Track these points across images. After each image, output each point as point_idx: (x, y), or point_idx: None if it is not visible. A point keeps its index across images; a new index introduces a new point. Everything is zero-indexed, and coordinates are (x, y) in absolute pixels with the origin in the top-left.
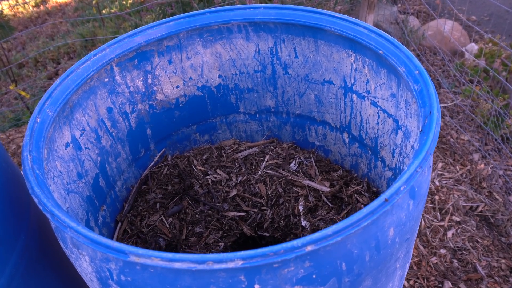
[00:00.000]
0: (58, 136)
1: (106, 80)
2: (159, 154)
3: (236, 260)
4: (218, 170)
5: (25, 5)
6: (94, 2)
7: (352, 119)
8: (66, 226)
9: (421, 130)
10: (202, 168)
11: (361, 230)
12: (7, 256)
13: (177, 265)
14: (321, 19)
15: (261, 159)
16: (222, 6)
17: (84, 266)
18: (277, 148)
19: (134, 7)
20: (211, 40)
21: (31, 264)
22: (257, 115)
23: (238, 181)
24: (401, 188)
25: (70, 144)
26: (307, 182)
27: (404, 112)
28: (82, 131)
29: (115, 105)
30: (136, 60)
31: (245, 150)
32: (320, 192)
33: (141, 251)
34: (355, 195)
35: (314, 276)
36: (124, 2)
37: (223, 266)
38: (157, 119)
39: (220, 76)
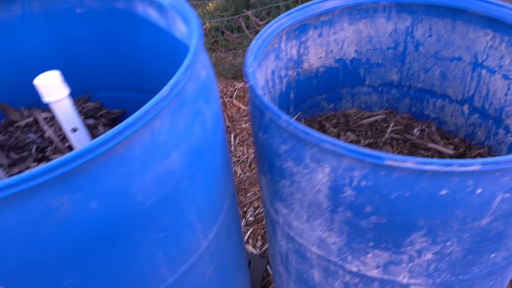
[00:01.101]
0: None
1: (276, 46)
2: (296, 116)
3: (475, 164)
4: (348, 133)
5: None
6: None
7: (476, 92)
8: (323, 140)
9: None
10: (334, 130)
11: None
12: (215, 219)
13: (427, 167)
14: (465, 1)
15: (385, 125)
16: None
17: (318, 178)
18: (397, 118)
19: None
20: (357, 18)
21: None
22: (380, 88)
23: (366, 143)
24: None
25: None
26: (432, 145)
27: None
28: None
29: (276, 69)
30: (297, 31)
31: (369, 118)
32: (445, 154)
33: (395, 156)
34: (479, 157)
35: None
36: None
37: (463, 169)
38: (299, 86)
39: (356, 51)
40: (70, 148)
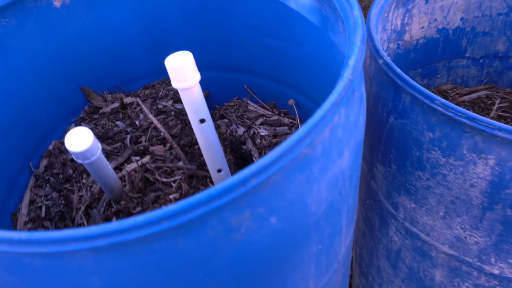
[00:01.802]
0: None
1: (385, 15)
2: None
3: None
4: None
5: None
6: None
7: None
8: (495, 126)
9: None
10: None
11: None
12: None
13: None
14: None
15: (490, 102)
16: None
17: (476, 171)
18: (500, 93)
19: None
20: None
21: None
22: (481, 60)
23: None
24: None
25: None
26: None
27: None
28: None
29: (380, 42)
30: None
31: (469, 94)
32: None
33: None
34: None
35: None
36: None
37: None
38: (397, 60)
39: (461, 18)
40: (164, 139)
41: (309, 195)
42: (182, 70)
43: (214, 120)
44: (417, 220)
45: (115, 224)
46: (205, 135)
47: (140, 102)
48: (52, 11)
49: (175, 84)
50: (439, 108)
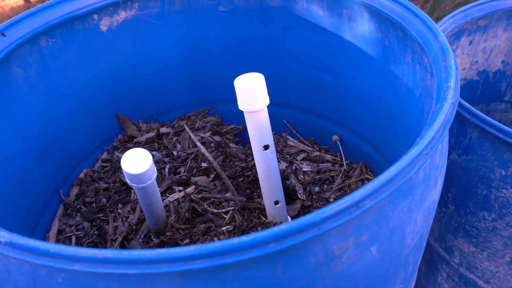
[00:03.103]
0: None
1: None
2: None
3: None
4: None
5: None
6: None
7: None
8: None
9: None
10: None
11: None
12: None
13: None
14: None
15: None
16: None
17: None
18: None
19: None
20: None
21: None
22: None
23: None
24: None
25: None
26: None
27: None
28: None
29: None
30: (453, 37)
31: None
32: None
33: None
34: None
35: None
36: None
37: None
38: None
39: (503, 61)
40: (207, 170)
41: (408, 225)
42: (253, 91)
43: (253, 162)
44: (476, 265)
45: (217, 244)
46: (268, 163)
47: (187, 129)
48: (98, 35)
49: (242, 106)
50: None
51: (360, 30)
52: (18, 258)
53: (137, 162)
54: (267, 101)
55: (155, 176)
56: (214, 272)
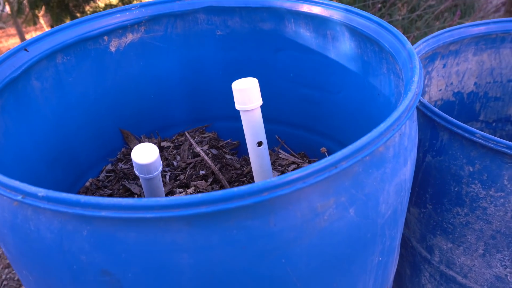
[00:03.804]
0: None
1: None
2: None
3: None
4: None
5: None
6: None
7: None
8: None
9: None
10: None
11: None
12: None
13: None
14: None
15: None
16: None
17: None
18: None
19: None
20: (482, 48)
21: None
22: (493, 124)
23: None
24: None
25: None
26: None
27: None
28: None
29: None
30: (427, 60)
31: None
32: None
33: None
34: None
35: None
36: None
37: None
38: None
39: (475, 83)
40: (205, 176)
41: (381, 194)
42: (248, 92)
43: (247, 169)
44: (454, 261)
45: (220, 192)
46: (261, 159)
47: (188, 136)
48: (107, 54)
49: (239, 106)
50: (479, 140)
51: (343, 48)
52: (52, 210)
53: (145, 154)
54: (260, 101)
55: (160, 168)
56: (216, 220)
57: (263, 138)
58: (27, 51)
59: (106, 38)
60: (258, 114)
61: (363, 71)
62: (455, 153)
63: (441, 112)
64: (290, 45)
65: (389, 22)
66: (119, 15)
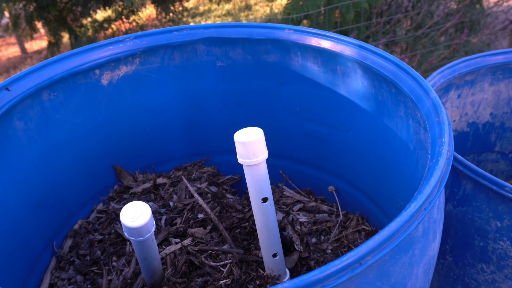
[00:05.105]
0: None
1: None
2: None
3: None
4: None
5: None
6: None
7: None
8: None
9: None
10: None
11: None
12: None
13: None
14: None
15: None
16: None
17: None
18: None
19: None
20: (499, 78)
21: None
22: (510, 155)
23: None
24: None
25: None
26: None
27: None
28: None
29: None
30: (442, 91)
31: None
32: None
33: None
34: None
35: None
36: None
37: None
38: None
39: (491, 113)
40: (204, 221)
41: (410, 280)
42: (252, 145)
43: (250, 213)
44: None
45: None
46: (266, 216)
47: (185, 180)
48: (99, 88)
49: (241, 160)
50: (509, 195)
51: (354, 85)
52: None
53: (136, 215)
54: (266, 154)
55: (153, 229)
56: None
57: (268, 194)
58: (9, 90)
59: (97, 71)
60: (263, 169)
61: (377, 110)
62: (480, 206)
63: (465, 160)
64: (296, 78)
65: (393, 39)
66: (111, 47)
